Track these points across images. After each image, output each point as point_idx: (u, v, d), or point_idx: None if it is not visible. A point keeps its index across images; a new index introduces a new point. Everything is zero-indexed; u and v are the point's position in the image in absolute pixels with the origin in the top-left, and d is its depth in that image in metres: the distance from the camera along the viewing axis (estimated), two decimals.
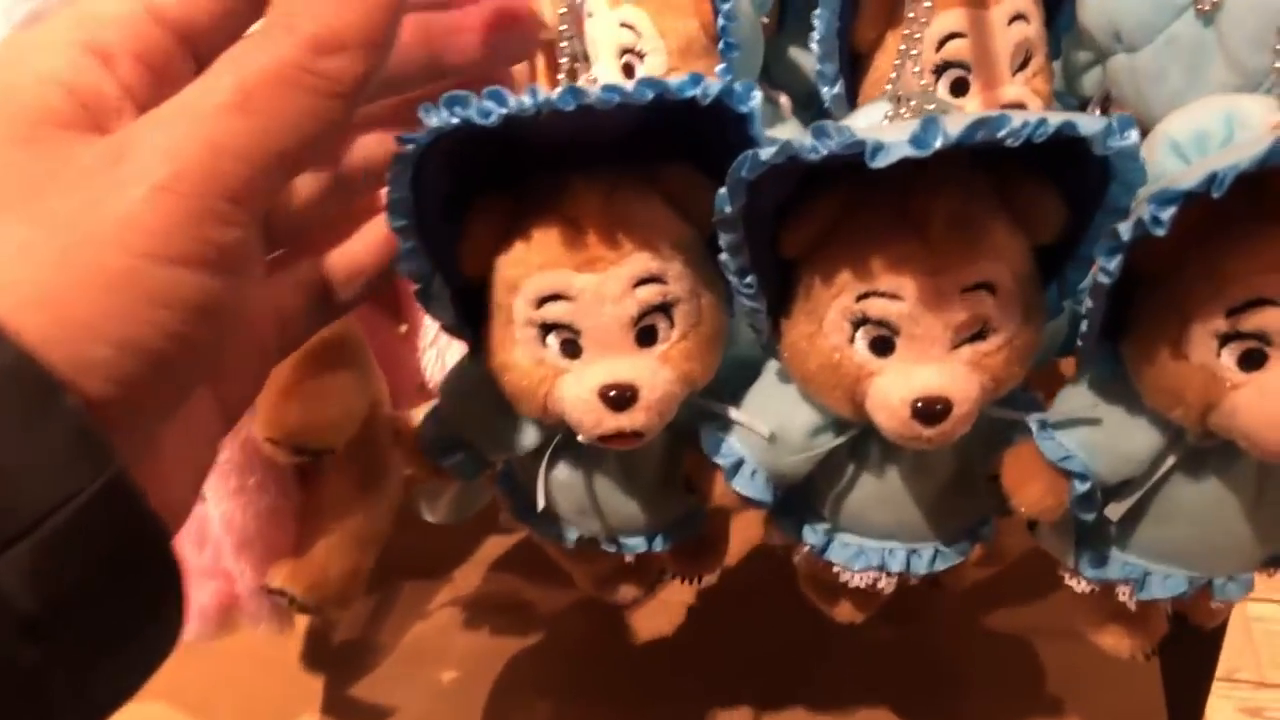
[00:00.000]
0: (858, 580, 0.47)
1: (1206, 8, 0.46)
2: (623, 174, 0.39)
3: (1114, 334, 0.41)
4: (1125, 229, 0.35)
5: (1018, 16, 0.48)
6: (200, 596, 0.54)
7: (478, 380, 0.44)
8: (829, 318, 0.39)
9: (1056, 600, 0.51)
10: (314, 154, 0.27)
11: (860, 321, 0.38)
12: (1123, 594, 0.46)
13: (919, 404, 0.38)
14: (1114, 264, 0.36)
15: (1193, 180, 0.33)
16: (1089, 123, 0.33)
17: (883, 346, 0.39)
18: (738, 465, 0.44)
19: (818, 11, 0.48)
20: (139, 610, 0.26)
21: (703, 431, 0.44)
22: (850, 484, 0.45)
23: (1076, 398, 0.43)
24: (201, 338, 0.26)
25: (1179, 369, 0.38)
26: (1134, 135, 0.35)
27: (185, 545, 0.53)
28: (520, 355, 0.40)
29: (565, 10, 0.35)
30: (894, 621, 0.59)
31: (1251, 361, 0.37)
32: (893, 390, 0.38)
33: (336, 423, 0.49)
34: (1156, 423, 0.41)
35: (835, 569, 0.48)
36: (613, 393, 0.39)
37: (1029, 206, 0.38)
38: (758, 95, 0.36)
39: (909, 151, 0.33)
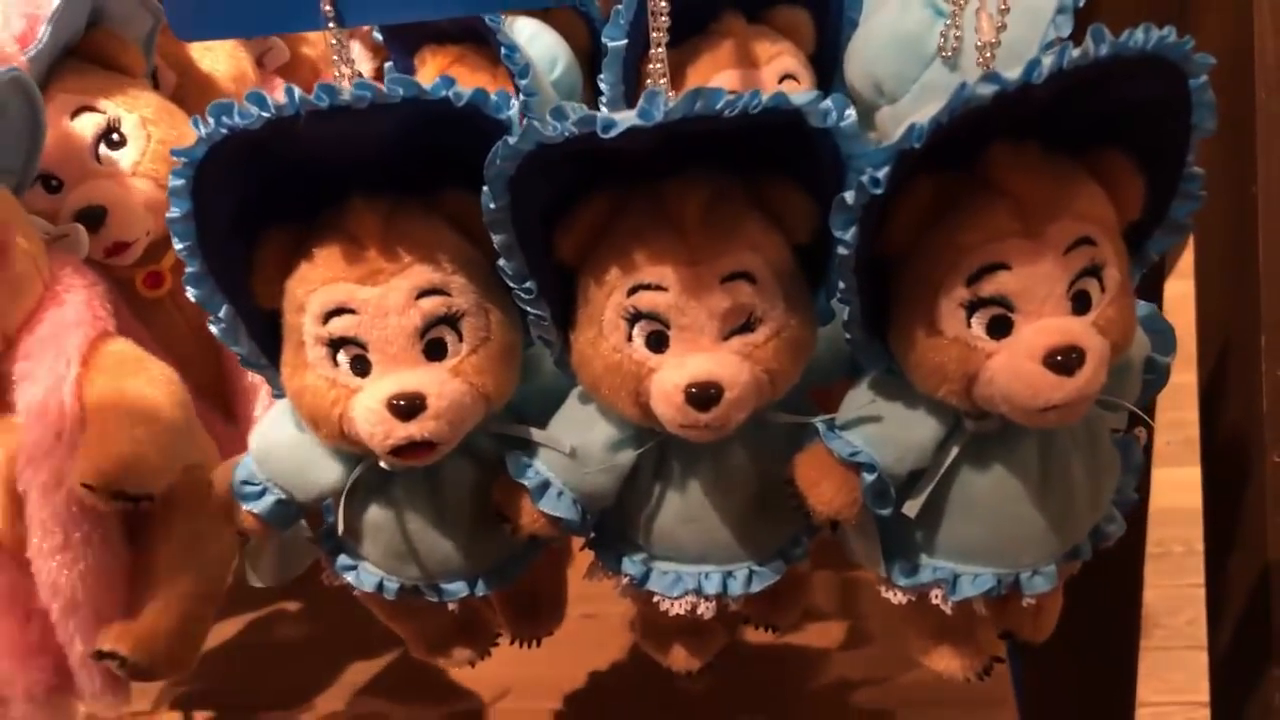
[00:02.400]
0: (678, 608, 0.47)
1: (949, 54, 0.51)
2: (405, 197, 0.42)
3: (883, 334, 0.43)
4: (850, 195, 0.37)
5: (787, 76, 0.53)
6: (28, 680, 0.52)
7: (282, 421, 0.45)
8: (606, 317, 0.41)
9: None
10: None
11: (634, 317, 0.40)
12: (936, 597, 0.47)
13: (692, 389, 0.40)
14: (850, 234, 0.38)
15: (897, 136, 0.36)
16: (801, 96, 0.37)
17: (658, 342, 0.41)
18: (544, 486, 0.45)
19: (602, 75, 0.52)
20: None
21: (508, 457, 0.45)
22: (658, 505, 0.46)
23: (857, 398, 0.45)
24: None
25: (936, 345, 0.40)
26: (851, 114, 0.38)
27: (9, 623, 0.52)
28: (313, 378, 0.42)
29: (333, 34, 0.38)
30: None
31: (999, 329, 0.39)
32: (668, 379, 0.40)
33: (155, 467, 0.49)
34: (934, 411, 0.43)
35: (656, 599, 0.48)
36: (400, 401, 0.40)
37: (778, 202, 0.41)
38: (515, 104, 0.40)
39: (636, 122, 0.35)
